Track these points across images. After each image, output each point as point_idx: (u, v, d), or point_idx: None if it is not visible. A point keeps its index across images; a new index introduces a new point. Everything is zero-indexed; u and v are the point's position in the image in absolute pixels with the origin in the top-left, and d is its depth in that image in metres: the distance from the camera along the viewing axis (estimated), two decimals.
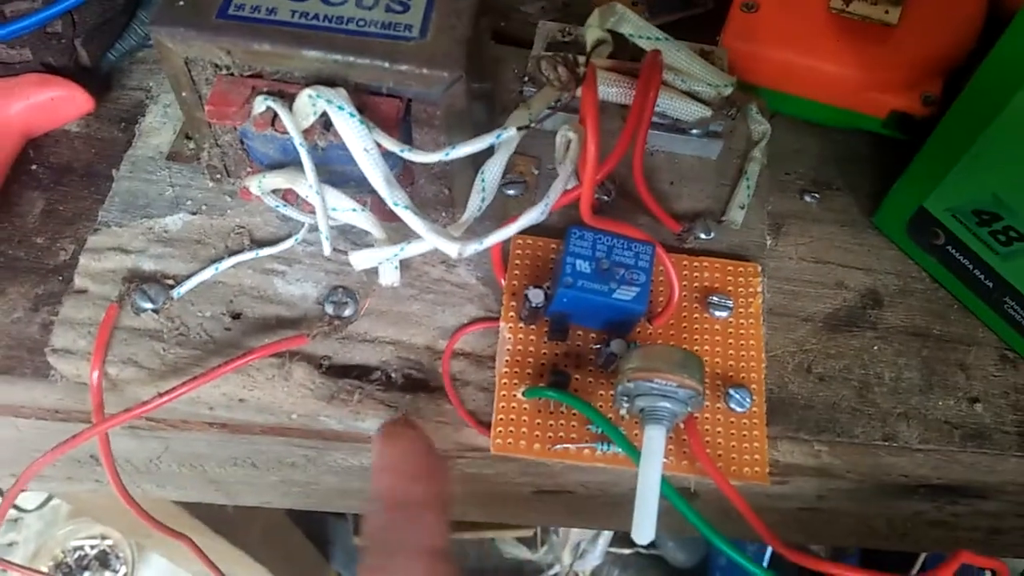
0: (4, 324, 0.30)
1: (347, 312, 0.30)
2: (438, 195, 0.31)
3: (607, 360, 0.28)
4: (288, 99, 0.26)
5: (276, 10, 0.26)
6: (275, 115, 0.26)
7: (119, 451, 0.32)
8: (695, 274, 0.31)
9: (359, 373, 0.30)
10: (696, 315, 0.30)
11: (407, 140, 0.28)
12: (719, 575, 1.19)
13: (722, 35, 0.36)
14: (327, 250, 0.28)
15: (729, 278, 0.31)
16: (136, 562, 1.09)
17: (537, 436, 0.27)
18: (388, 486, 0.27)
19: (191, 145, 0.33)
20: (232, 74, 0.26)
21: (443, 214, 0.31)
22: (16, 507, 0.97)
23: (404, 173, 0.30)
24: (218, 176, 0.31)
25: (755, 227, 0.33)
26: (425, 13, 0.26)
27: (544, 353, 0.29)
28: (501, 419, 0.28)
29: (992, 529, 0.39)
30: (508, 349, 0.29)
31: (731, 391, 0.29)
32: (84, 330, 0.30)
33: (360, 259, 0.28)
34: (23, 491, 0.30)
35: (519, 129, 0.26)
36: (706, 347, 0.30)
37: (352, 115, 0.25)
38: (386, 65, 0.25)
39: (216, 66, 0.26)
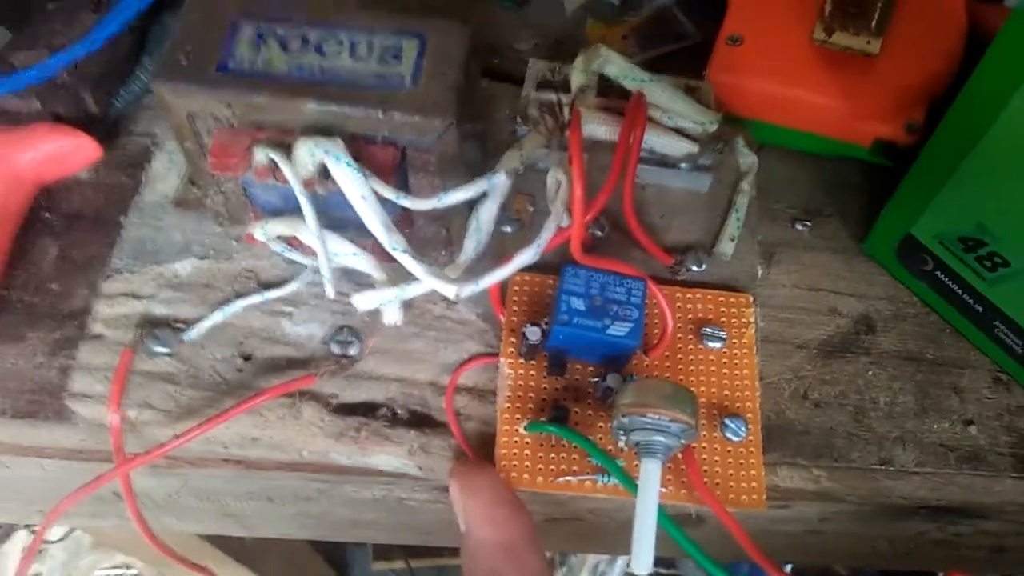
0: (26, 369, 0.31)
1: (352, 351, 0.31)
2: (437, 235, 0.32)
3: (604, 394, 0.29)
4: (287, 149, 0.27)
5: (273, 64, 0.27)
6: (275, 165, 0.27)
7: (140, 488, 0.32)
8: (688, 306, 0.32)
9: (366, 410, 0.31)
10: (691, 346, 0.31)
11: (404, 185, 0.29)
12: None
13: (708, 68, 0.37)
14: (330, 293, 0.29)
15: (722, 309, 0.32)
16: None
17: (540, 469, 0.28)
18: (488, 537, 0.27)
19: (196, 191, 0.34)
20: (233, 125, 0.27)
21: (442, 252, 0.32)
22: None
23: (403, 215, 0.31)
24: (223, 222, 0.32)
25: (746, 258, 0.34)
26: (416, 62, 0.27)
27: (544, 387, 0.30)
28: (504, 453, 0.28)
29: (995, 548, 0.40)
30: (509, 384, 0.30)
31: (727, 421, 0.29)
32: (101, 375, 0.30)
33: (362, 301, 0.29)
34: None
35: (509, 173, 0.26)
36: (701, 378, 0.31)
37: (349, 164, 0.26)
38: (380, 115, 0.26)
39: (217, 118, 0.27)
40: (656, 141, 0.32)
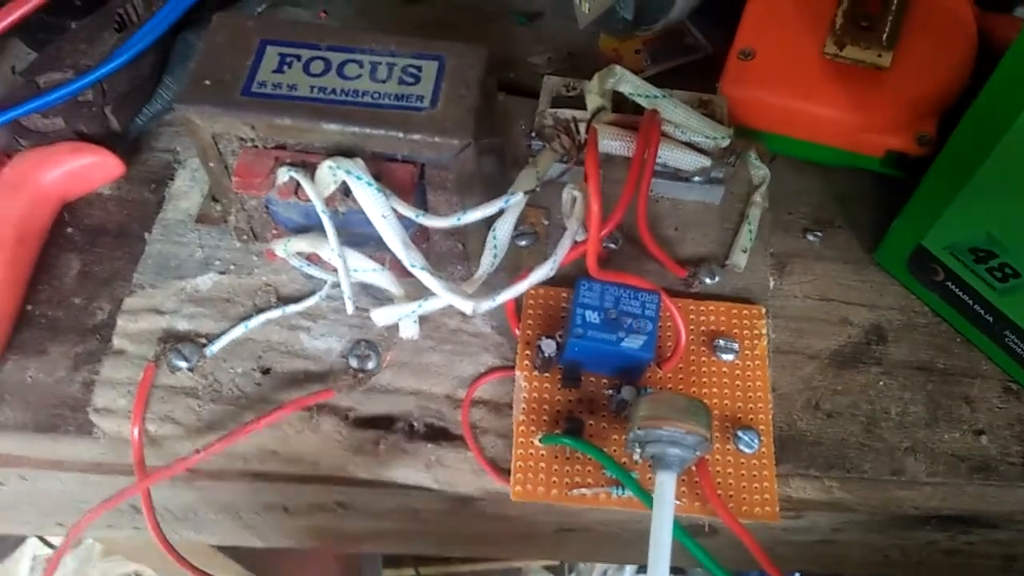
0: (47, 383, 0.32)
1: (370, 365, 0.31)
2: (453, 250, 0.32)
3: (619, 406, 0.29)
4: (310, 169, 0.27)
5: (296, 86, 0.27)
6: (298, 184, 0.27)
7: (158, 500, 0.33)
8: (701, 318, 0.33)
9: (383, 423, 0.31)
10: (704, 358, 0.32)
11: (422, 201, 0.30)
12: None
13: (721, 82, 0.37)
14: (350, 309, 0.29)
15: (734, 321, 0.33)
16: None
17: (555, 482, 0.29)
18: None
19: (218, 208, 0.34)
20: (256, 146, 0.28)
21: (459, 267, 0.33)
22: (50, 546, 0.99)
23: (420, 230, 0.31)
24: (245, 238, 0.33)
25: (759, 269, 0.35)
26: (435, 83, 0.28)
27: (559, 400, 0.30)
28: (520, 466, 0.29)
29: (1007, 556, 0.40)
30: (524, 397, 0.30)
31: (740, 433, 0.30)
32: (124, 389, 0.31)
33: (381, 316, 0.30)
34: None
35: (526, 193, 0.27)
36: (714, 389, 0.31)
37: (369, 184, 0.26)
38: (400, 135, 0.27)
39: (241, 139, 0.28)
40: (669, 155, 0.33)
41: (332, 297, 0.33)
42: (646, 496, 0.27)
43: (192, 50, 0.42)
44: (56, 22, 0.39)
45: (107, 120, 0.37)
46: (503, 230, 0.28)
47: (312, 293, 0.32)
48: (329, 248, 0.28)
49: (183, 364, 0.31)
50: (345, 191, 0.27)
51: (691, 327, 0.32)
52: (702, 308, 0.33)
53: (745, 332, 0.32)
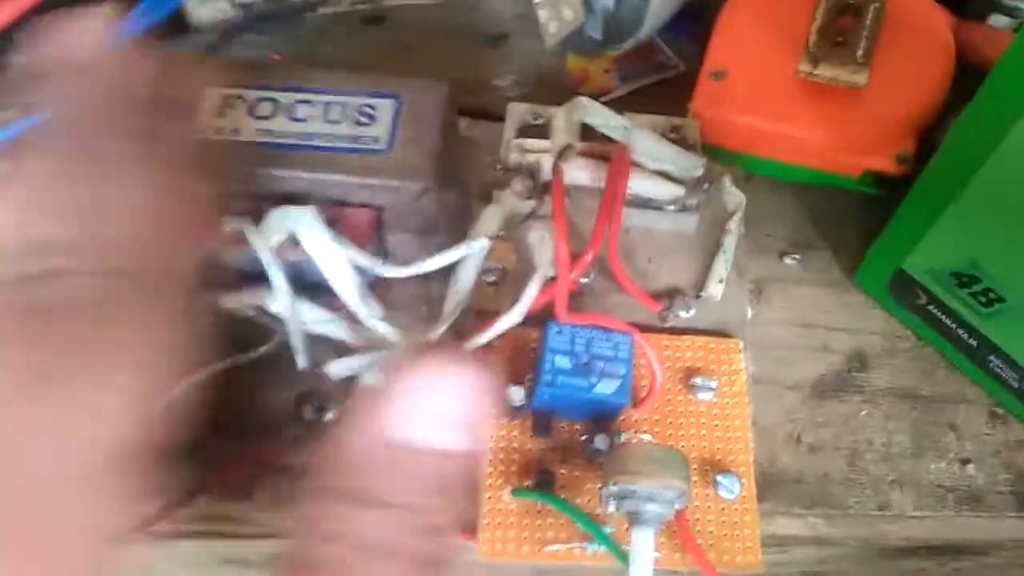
0: None
1: (327, 417, 0.30)
2: (416, 290, 0.31)
3: (592, 455, 0.28)
4: (256, 218, 0.26)
5: (240, 131, 0.26)
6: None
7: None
8: (677, 354, 0.31)
9: None
10: (680, 397, 0.30)
11: (381, 244, 0.28)
12: None
13: (692, 103, 0.36)
14: (302, 363, 0.28)
15: (711, 356, 0.31)
16: None
17: (526, 538, 0.27)
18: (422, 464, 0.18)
19: None
20: None
21: (423, 308, 0.31)
22: None
23: None
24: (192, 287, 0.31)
25: (735, 299, 0.33)
26: (392, 124, 0.26)
27: (529, 448, 0.29)
28: (488, 523, 0.28)
29: None
30: (492, 447, 0.29)
31: (719, 478, 0.28)
32: None
33: (338, 368, 0.28)
34: None
35: (490, 238, 0.26)
36: (692, 431, 0.30)
37: (321, 235, 0.25)
38: (355, 180, 0.26)
39: None
40: (641, 186, 0.32)
41: (284, 346, 0.31)
42: (621, 554, 0.25)
43: None
44: None
45: None
46: (466, 275, 0.27)
47: (263, 342, 0.31)
48: (278, 300, 0.26)
49: None
50: (296, 239, 0.26)
51: (667, 364, 0.31)
52: (677, 343, 0.32)
53: (723, 368, 0.31)
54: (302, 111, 0.27)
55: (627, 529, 0.26)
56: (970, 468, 0.32)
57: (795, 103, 0.35)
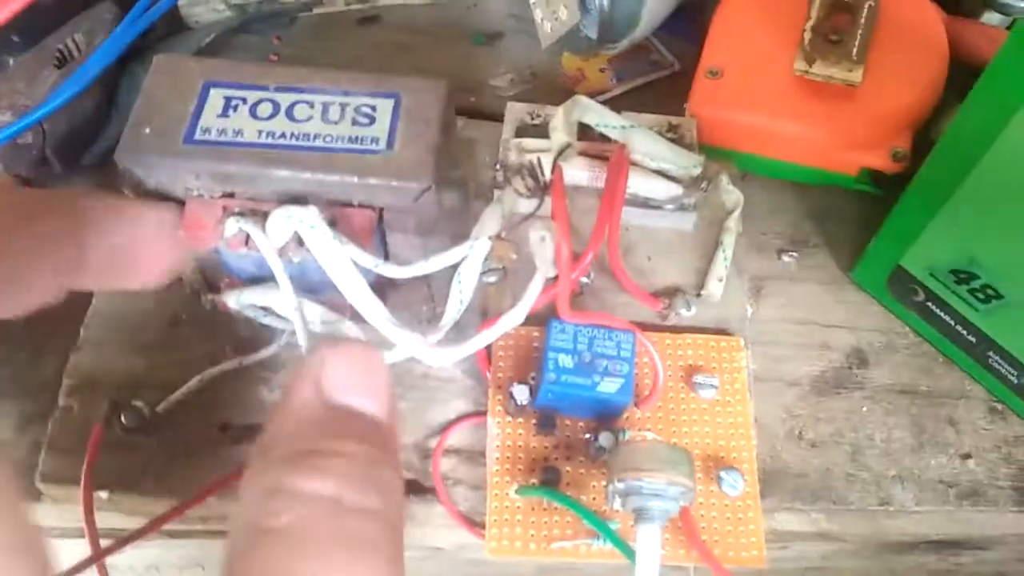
0: None
1: None
2: (418, 291, 0.31)
3: (597, 452, 0.28)
4: (261, 218, 0.26)
5: (243, 131, 0.26)
6: (248, 234, 0.26)
7: (118, 559, 0.31)
8: (679, 352, 0.31)
9: None
10: (682, 395, 0.30)
11: (382, 245, 0.28)
12: None
13: (688, 102, 0.36)
14: None
15: (713, 354, 0.31)
16: None
17: (532, 535, 0.27)
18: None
19: None
20: (203, 196, 0.26)
21: (424, 308, 0.31)
22: None
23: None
24: (196, 287, 0.31)
25: (735, 297, 0.33)
26: (391, 123, 0.26)
27: (534, 446, 0.29)
28: (495, 520, 0.28)
29: (998, 574, 0.39)
30: (498, 445, 0.29)
31: (723, 474, 0.29)
32: (72, 452, 0.29)
33: None
34: None
35: (491, 237, 0.26)
36: (695, 428, 0.30)
37: (324, 233, 0.25)
38: (355, 180, 0.25)
39: (186, 188, 0.26)
40: (640, 185, 0.32)
41: (291, 345, 0.31)
42: (627, 550, 0.25)
43: (140, 83, 0.40)
44: None
45: (49, 163, 0.35)
46: (468, 275, 0.27)
47: (270, 342, 0.31)
48: (284, 300, 0.26)
49: (134, 423, 0.29)
50: (299, 240, 0.26)
51: (668, 363, 0.31)
52: (679, 342, 0.32)
53: (724, 366, 0.31)
54: (301, 112, 0.26)
55: (632, 526, 0.26)
56: (970, 463, 0.32)
57: (791, 101, 0.35)
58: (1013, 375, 0.32)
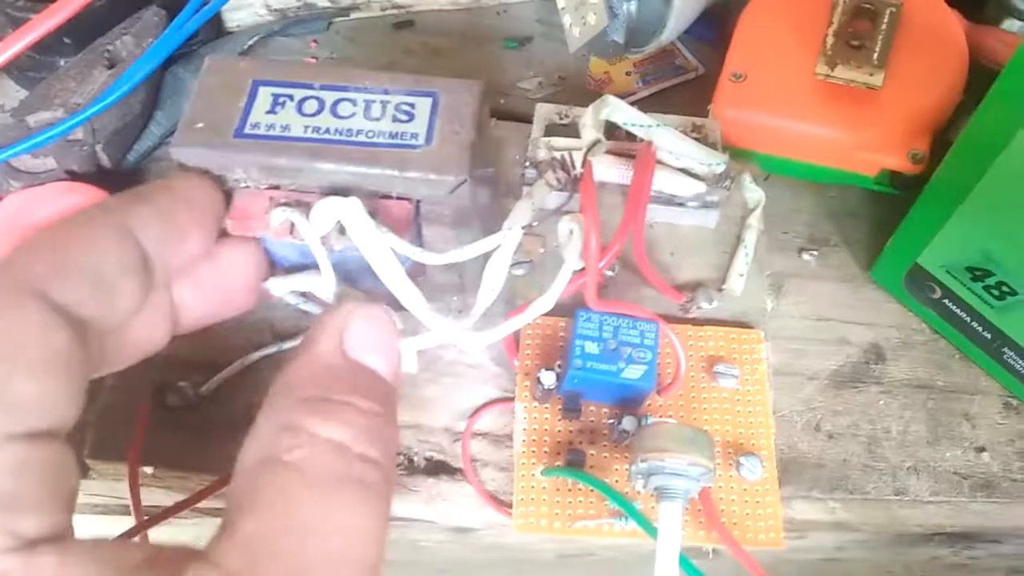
0: None
1: None
2: (449, 281, 0.32)
3: (620, 436, 0.29)
4: (305, 208, 0.27)
5: (289, 127, 0.27)
6: (293, 223, 0.27)
7: (159, 538, 0.33)
8: (700, 343, 0.33)
9: None
10: (703, 384, 0.32)
11: (418, 236, 0.29)
12: None
13: (713, 104, 0.37)
14: None
15: (733, 346, 0.33)
16: None
17: (557, 514, 0.29)
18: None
19: None
20: (251, 187, 0.28)
21: (455, 299, 0.33)
22: None
23: (417, 263, 0.31)
24: None
25: (756, 293, 0.35)
26: (430, 120, 0.28)
27: (559, 430, 0.30)
28: (521, 499, 0.29)
29: (1011, 569, 0.40)
30: (524, 428, 0.30)
31: (742, 460, 0.30)
32: (120, 429, 0.31)
33: None
34: None
35: (523, 228, 0.27)
36: (715, 416, 0.31)
37: (366, 224, 0.26)
38: (395, 173, 0.27)
39: (236, 180, 0.28)
40: (664, 182, 0.33)
41: None
42: (650, 527, 0.27)
43: (182, 84, 0.42)
44: (46, 60, 0.39)
45: (98, 158, 0.37)
46: (499, 265, 0.28)
47: (308, 328, 0.32)
48: (325, 287, 0.27)
49: (179, 402, 0.31)
50: (341, 229, 0.27)
51: (690, 353, 0.32)
52: (700, 333, 0.33)
53: (744, 357, 0.32)
54: (345, 109, 0.28)
55: (653, 507, 0.27)
56: (985, 456, 0.33)
57: (813, 104, 0.36)
58: None
